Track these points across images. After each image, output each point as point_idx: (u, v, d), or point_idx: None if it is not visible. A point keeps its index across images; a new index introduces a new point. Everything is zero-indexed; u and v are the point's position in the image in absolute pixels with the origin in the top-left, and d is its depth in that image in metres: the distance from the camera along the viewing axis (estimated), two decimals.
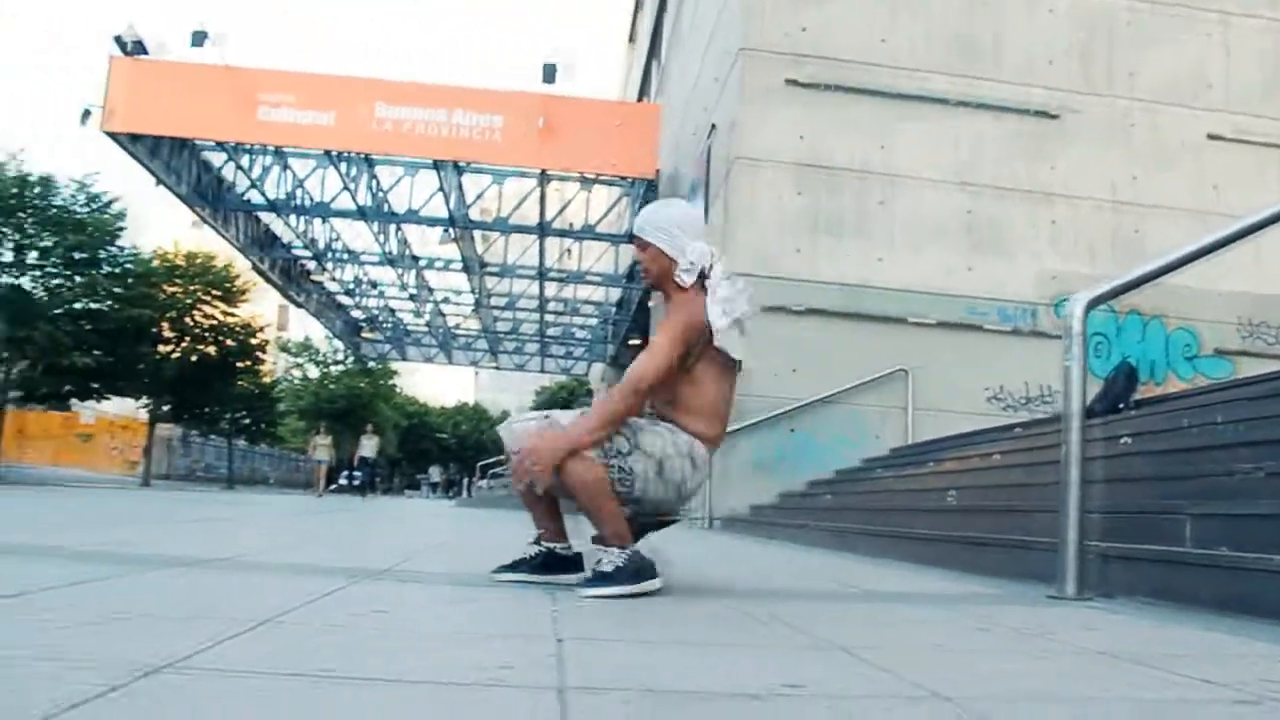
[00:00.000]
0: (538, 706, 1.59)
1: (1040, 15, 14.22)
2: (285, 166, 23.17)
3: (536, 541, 3.85)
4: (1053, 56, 14.13)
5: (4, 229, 22.96)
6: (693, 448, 3.67)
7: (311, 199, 24.19)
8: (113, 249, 25.28)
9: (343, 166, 22.01)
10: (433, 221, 24.51)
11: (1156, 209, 13.74)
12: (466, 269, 29.14)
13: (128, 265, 26.03)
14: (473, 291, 32.63)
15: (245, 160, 22.46)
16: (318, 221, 27.20)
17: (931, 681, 1.97)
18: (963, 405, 13.08)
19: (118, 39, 18.63)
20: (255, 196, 24.28)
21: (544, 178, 21.53)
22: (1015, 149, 13.87)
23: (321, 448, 27.22)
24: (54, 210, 23.78)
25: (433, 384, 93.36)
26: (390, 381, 62.86)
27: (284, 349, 52.64)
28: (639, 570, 3.53)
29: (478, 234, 27.65)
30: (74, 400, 27.83)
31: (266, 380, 41.56)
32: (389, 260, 28.92)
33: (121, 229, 25.16)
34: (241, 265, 32.24)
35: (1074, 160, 13.92)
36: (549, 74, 18.70)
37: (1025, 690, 2.03)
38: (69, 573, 3.21)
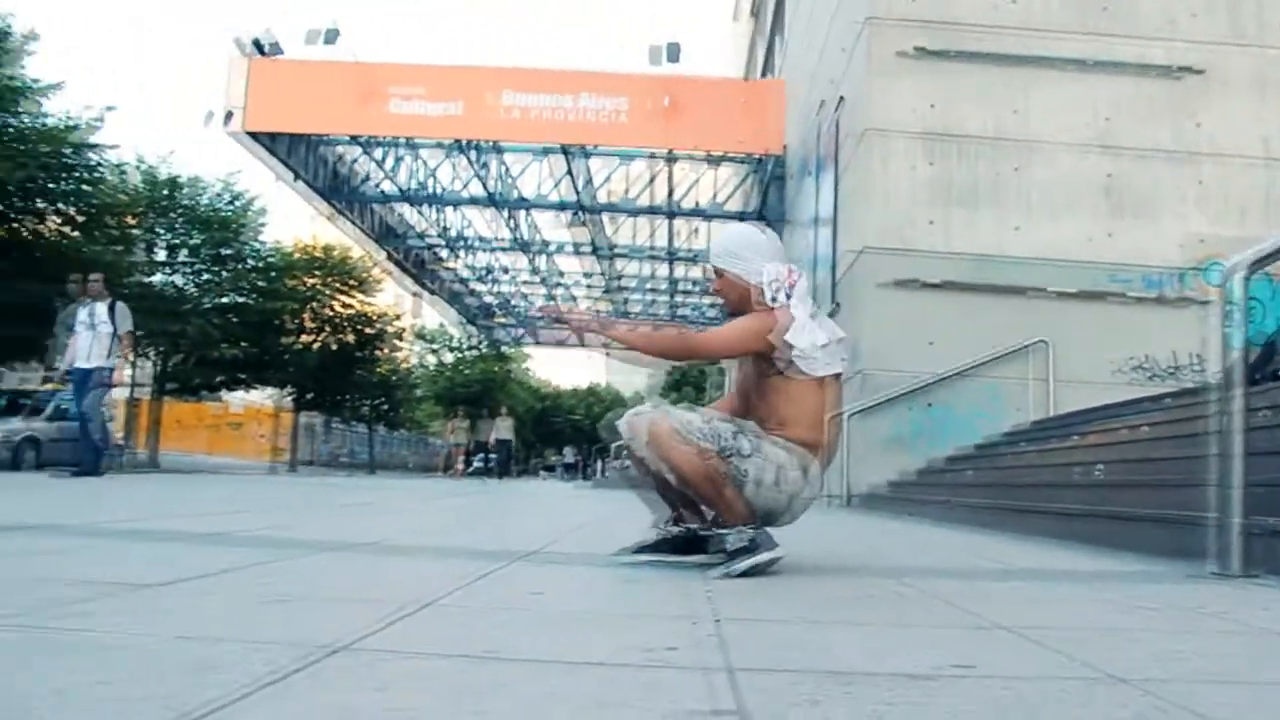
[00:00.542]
0: (711, 687, 1.59)
1: None
2: (416, 157, 23.65)
3: (674, 521, 3.85)
4: (1194, 9, 13.53)
5: (158, 229, 23.94)
6: (806, 461, 3.64)
7: (442, 188, 24.66)
8: (255, 244, 26.13)
9: (472, 154, 22.36)
10: (560, 206, 24.73)
11: None
12: (595, 252, 29.34)
13: (269, 259, 26.88)
14: (602, 274, 32.86)
15: (377, 153, 22.97)
16: (449, 210, 27.71)
17: (1104, 662, 1.91)
18: (1105, 376, 12.68)
19: (255, 41, 19.21)
20: (388, 188, 24.84)
21: (670, 158, 21.53)
22: (1157, 108, 13.33)
23: (459, 430, 27.74)
24: (201, 209, 24.70)
25: (565, 367, 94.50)
26: (523, 365, 63.76)
27: (419, 336, 53.75)
28: (764, 544, 3.51)
29: (605, 217, 27.81)
30: (223, 391, 28.87)
31: (403, 367, 42.51)
32: (519, 246, 29.29)
33: (263, 225, 26.03)
34: (376, 256, 33.03)
35: (1221, 117, 13.32)
36: (672, 54, 18.67)
37: (1204, 671, 1.96)
38: (235, 557, 3.34)
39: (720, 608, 2.58)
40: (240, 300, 25.71)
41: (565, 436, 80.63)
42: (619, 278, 33.67)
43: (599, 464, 72.69)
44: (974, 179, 13.31)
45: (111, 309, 11.62)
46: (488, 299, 41.05)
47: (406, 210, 27.87)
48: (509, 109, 19.49)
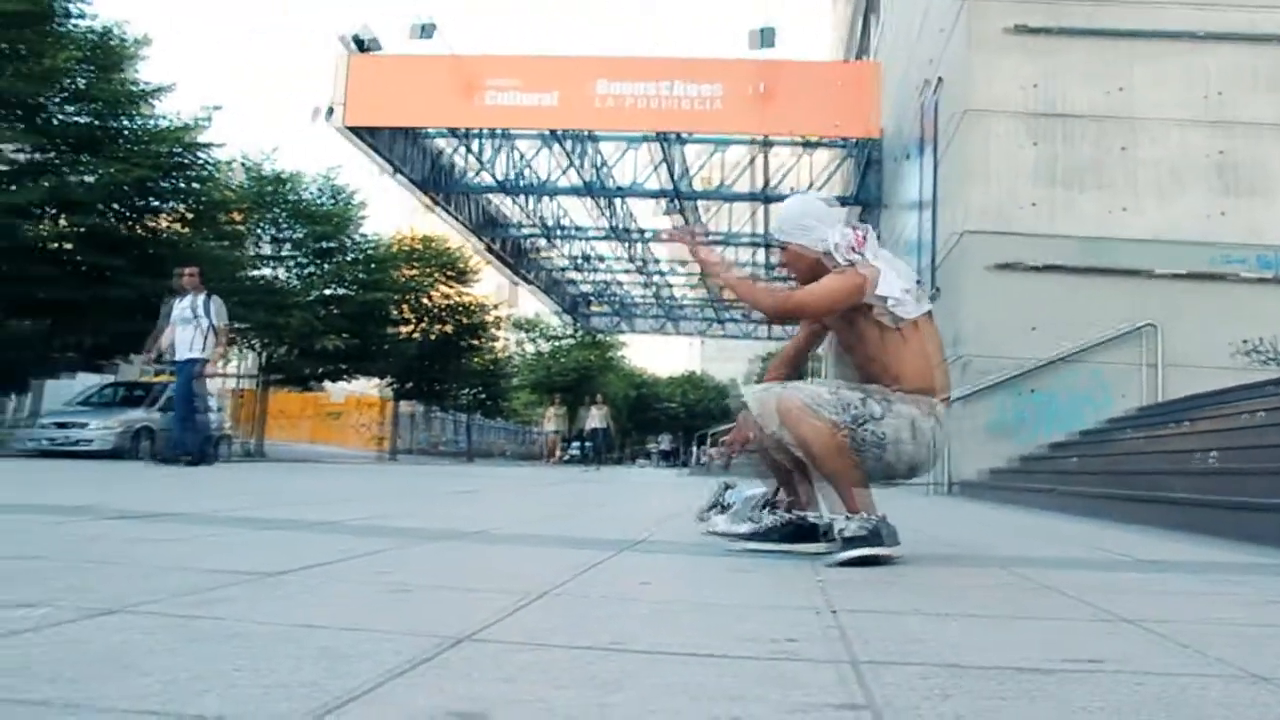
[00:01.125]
0: (838, 680, 1.57)
1: None
2: (511, 148, 23.87)
3: (787, 509, 3.84)
4: None
5: (262, 223, 24.51)
6: (933, 407, 3.66)
7: (537, 178, 24.87)
8: (355, 237, 26.59)
9: (566, 144, 22.49)
10: (654, 194, 24.77)
11: None
12: None
13: (369, 252, 27.33)
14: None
15: (473, 144, 23.22)
16: (544, 199, 27.93)
17: (1239, 659, 1.85)
18: (1217, 360, 12.30)
19: (355, 38, 19.53)
20: (483, 179, 25.10)
21: (764, 144, 21.40)
22: (1271, 79, 12.87)
23: (555, 418, 27.93)
24: (303, 203, 25.22)
25: (658, 354, 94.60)
26: (618, 353, 63.98)
27: (514, 325, 54.25)
28: (882, 535, 3.49)
29: (700, 203, 27.79)
30: (325, 381, 29.50)
31: (499, 356, 42.95)
32: (613, 234, 29.40)
33: (363, 218, 26.46)
34: (472, 246, 33.41)
35: None
36: (767, 38, 18.55)
37: None
38: (350, 546, 3.40)
39: (834, 598, 2.56)
40: (341, 292, 26.18)
41: (661, 424, 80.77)
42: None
43: (695, 451, 72.84)
44: (1078, 158, 13.01)
45: (206, 302, 11.86)
46: (584, 287, 41.34)
47: (503, 200, 28.15)
48: (603, 98, 19.55)
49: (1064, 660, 1.79)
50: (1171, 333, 12.38)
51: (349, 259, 26.28)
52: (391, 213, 44.19)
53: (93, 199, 15.00)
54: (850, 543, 3.44)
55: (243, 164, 24.12)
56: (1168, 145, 12.81)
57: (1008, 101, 13.12)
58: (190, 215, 17.32)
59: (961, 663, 1.74)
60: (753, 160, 23.32)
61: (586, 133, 22.44)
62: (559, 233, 30.85)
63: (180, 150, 16.17)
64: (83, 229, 15.04)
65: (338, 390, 44.35)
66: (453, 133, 22.80)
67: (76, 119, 15.64)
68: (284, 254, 25.82)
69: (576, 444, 39.28)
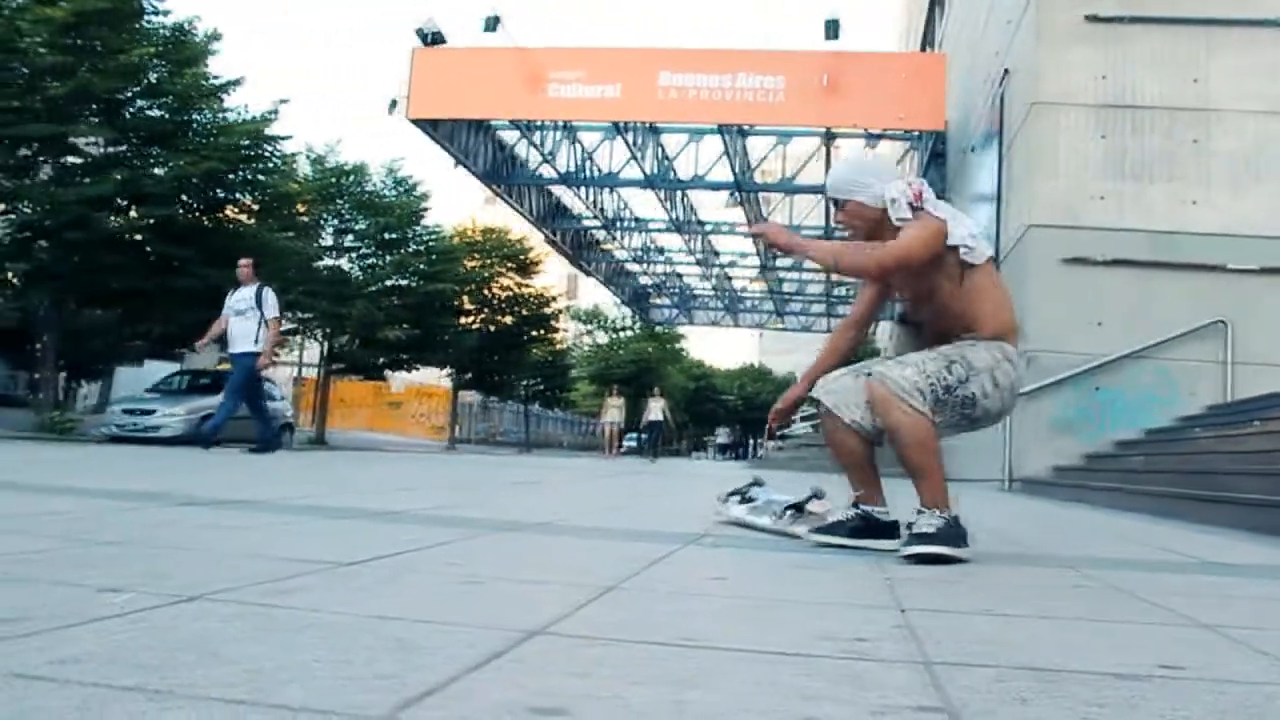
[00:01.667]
0: (911, 681, 1.56)
1: None
2: (574, 140, 23.93)
3: (854, 504, 3.83)
4: None
5: (325, 214, 24.79)
6: (1004, 349, 3.67)
7: (600, 170, 24.91)
8: (418, 228, 26.80)
9: (629, 136, 22.50)
10: (717, 186, 24.72)
11: None
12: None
13: (431, 243, 27.53)
14: (758, 254, 32.75)
15: (536, 137, 23.31)
16: (606, 192, 27.98)
17: None
18: None
19: (419, 31, 19.68)
20: (546, 171, 25.20)
21: (828, 136, 21.27)
22: None
23: (613, 409, 27.97)
24: (367, 195, 25.47)
25: (717, 347, 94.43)
26: (677, 345, 63.98)
27: (575, 317, 54.42)
28: (956, 535, 3.48)
29: (762, 196, 27.69)
30: (386, 370, 29.81)
31: (559, 348, 43.11)
32: (675, 226, 29.39)
33: (426, 210, 26.65)
34: (534, 238, 33.55)
35: None
36: (831, 30, 18.42)
37: None
38: (416, 536, 3.43)
39: (902, 597, 2.54)
40: (404, 283, 26.41)
41: (718, 417, 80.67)
42: (775, 256, 33.45)
43: (750, 444, 72.63)
44: (1148, 151, 12.78)
45: (259, 294, 11.96)
46: (644, 280, 41.38)
47: (565, 192, 28.24)
48: (666, 90, 19.52)
49: (1140, 666, 1.76)
50: (1243, 329, 12.13)
51: (412, 250, 26.48)
52: (455, 204, 44.52)
53: (164, 191, 15.26)
54: (921, 538, 3.43)
55: (307, 156, 24.42)
56: (1243, 137, 12.53)
57: (1076, 93, 12.92)
58: (257, 207, 17.58)
59: (1036, 666, 1.72)
60: (810, 157, 23.19)
61: (649, 125, 22.42)
62: (621, 225, 30.89)
63: (249, 143, 16.41)
64: (153, 220, 15.33)
65: (398, 380, 44.79)
66: (516, 125, 22.89)
67: (149, 113, 15.93)
68: (347, 245, 26.09)
69: (633, 436, 39.35)
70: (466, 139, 23.28)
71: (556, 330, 38.70)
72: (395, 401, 52.68)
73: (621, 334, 55.34)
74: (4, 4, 14.42)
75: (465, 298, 31.56)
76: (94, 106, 15.28)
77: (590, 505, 6.17)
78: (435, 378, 46.18)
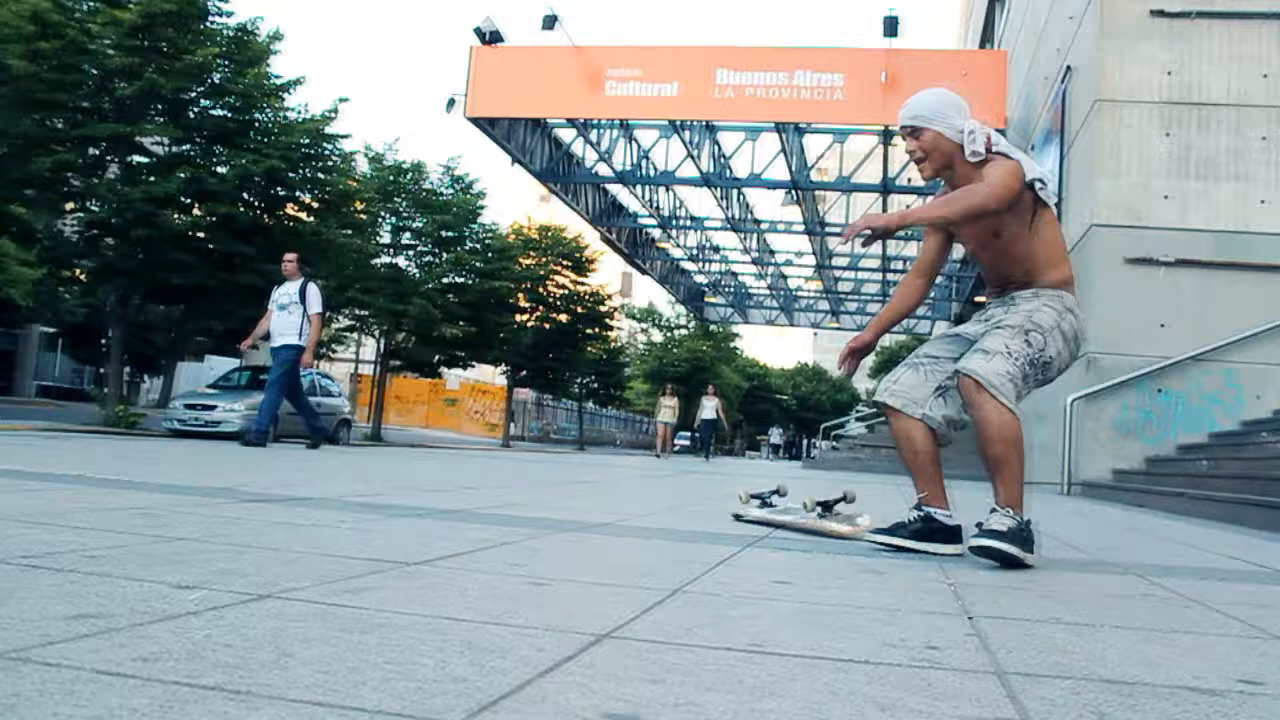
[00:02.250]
0: (985, 692, 1.54)
1: None
2: (631, 138, 23.97)
3: (917, 506, 3.81)
4: None
5: (383, 212, 25.00)
6: (1064, 299, 3.72)
7: (656, 168, 24.94)
8: (475, 226, 26.94)
9: (686, 135, 22.49)
10: (774, 184, 24.65)
11: None
12: (808, 230, 29.11)
13: (488, 241, 27.66)
14: (814, 253, 32.61)
15: (593, 135, 23.36)
16: (662, 190, 27.99)
17: None
18: None
19: (477, 30, 19.80)
20: (603, 169, 25.25)
21: (886, 134, 21.12)
22: None
23: (666, 409, 27.94)
24: (424, 193, 25.65)
25: (772, 346, 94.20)
26: (732, 344, 63.85)
27: (630, 315, 54.47)
28: (1025, 539, 3.47)
29: (818, 194, 27.56)
30: (443, 368, 30.01)
31: (614, 346, 43.18)
32: (731, 225, 29.33)
33: (482, 207, 26.78)
34: (590, 236, 33.62)
35: None
36: (890, 27, 18.28)
37: None
38: (480, 535, 3.46)
39: (969, 603, 2.52)
40: (460, 281, 26.56)
41: (772, 417, 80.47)
42: (830, 255, 33.33)
43: (804, 444, 72.40)
44: (1215, 149, 12.58)
45: (303, 289, 11.98)
46: (699, 278, 41.35)
47: (621, 190, 28.28)
48: (723, 88, 19.48)
49: (1218, 680, 1.73)
50: None
51: (469, 248, 26.63)
52: (510, 202, 44.74)
53: (226, 189, 15.49)
54: (991, 533, 3.42)
55: (366, 154, 24.64)
56: None
57: (1140, 90, 12.74)
58: (317, 205, 17.77)
59: (1112, 678, 1.69)
60: (868, 155, 23.06)
61: (706, 123, 22.40)
62: (676, 223, 30.88)
63: (309, 142, 16.59)
64: (216, 217, 15.55)
65: (453, 377, 45.11)
66: (573, 123, 22.97)
67: (213, 113, 16.17)
68: (405, 242, 26.30)
69: (686, 434, 39.32)
70: (524, 137, 23.42)
71: (611, 328, 38.74)
72: (451, 398, 53.15)
73: (676, 332, 55.32)
74: (75, 7, 14.69)
75: (521, 295, 31.69)
76: (160, 106, 15.54)
77: (649, 505, 6.17)
78: (491, 375, 46.47)
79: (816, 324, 47.79)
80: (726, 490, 9.33)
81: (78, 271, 17.14)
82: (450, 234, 26.03)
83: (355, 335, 32.54)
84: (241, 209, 16.19)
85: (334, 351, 42.43)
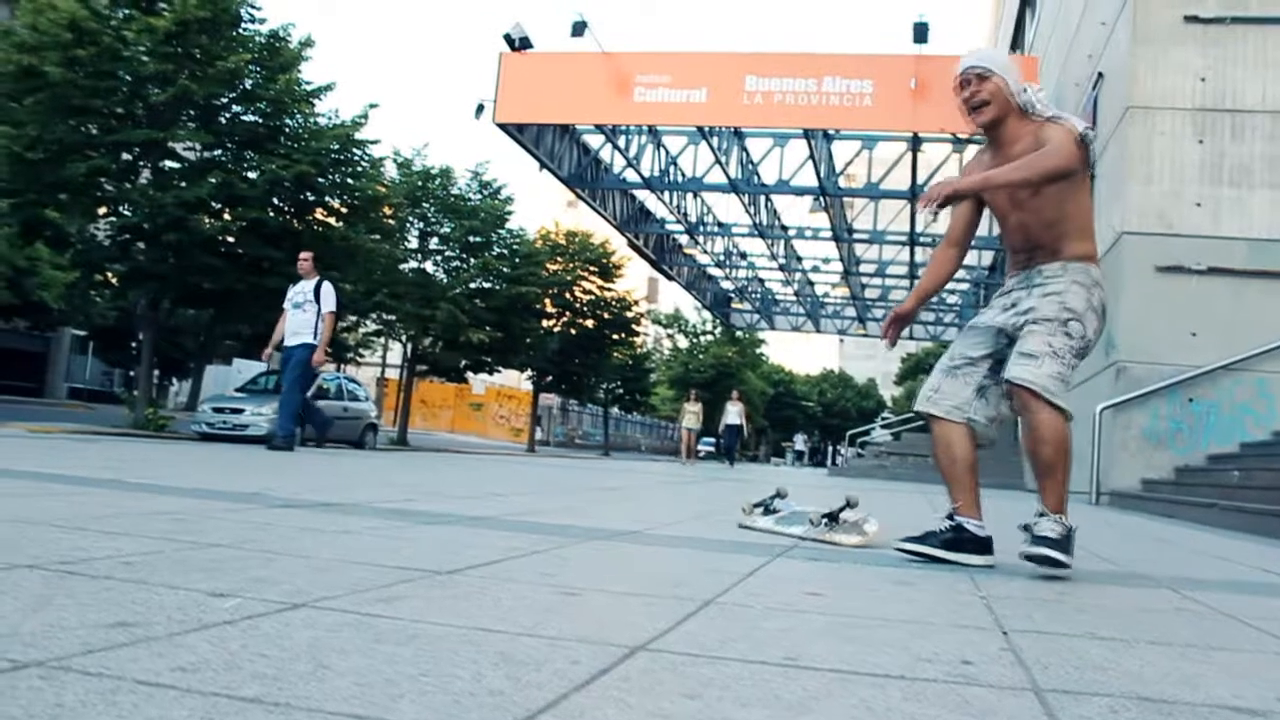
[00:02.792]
0: (1023, 710, 1.53)
1: None
2: (659, 145, 23.98)
3: (949, 516, 3.79)
4: None
5: (411, 218, 25.12)
6: (1090, 273, 3.72)
7: (684, 174, 24.94)
8: (502, 231, 27.02)
9: (714, 141, 22.47)
10: (802, 191, 24.59)
11: None
12: (835, 237, 29.04)
13: (515, 246, 27.74)
14: (841, 259, 32.53)
15: (621, 141, 23.38)
16: (689, 196, 27.98)
17: None
18: None
19: (506, 36, 19.86)
20: (630, 175, 25.27)
21: (915, 141, 21.03)
22: None
23: (690, 414, 27.87)
24: (452, 199, 25.75)
25: (798, 352, 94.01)
26: (758, 350, 63.76)
27: (656, 321, 54.51)
28: (1072, 546, 3.53)
29: (847, 201, 27.49)
30: (468, 372, 30.11)
31: (639, 351, 43.19)
32: (759, 231, 29.28)
33: (510, 213, 26.85)
34: (616, 241, 33.65)
35: None
36: (920, 34, 18.20)
37: None
38: (510, 543, 3.46)
39: (1002, 617, 2.51)
40: (488, 286, 26.64)
41: (797, 423, 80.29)
42: (858, 262, 33.23)
43: (829, 450, 72.20)
44: (1249, 156, 12.48)
45: (318, 287, 11.90)
46: (725, 284, 41.32)
47: (648, 196, 28.30)
48: (752, 94, 19.42)
49: (1258, 699, 1.71)
50: None
51: (496, 253, 26.71)
52: (539, 207, 44.83)
53: (256, 194, 15.59)
54: (1045, 541, 3.47)
55: (395, 159, 24.76)
56: None
57: (1173, 97, 12.65)
58: (346, 210, 17.86)
59: (1150, 696, 1.68)
60: (896, 161, 22.97)
61: (734, 129, 22.38)
62: (704, 229, 30.88)
63: (339, 147, 16.68)
64: (246, 222, 15.65)
65: (479, 381, 45.26)
66: (601, 129, 23.00)
67: (244, 118, 16.29)
68: (433, 248, 26.40)
69: (710, 440, 39.25)
70: (552, 143, 23.46)
71: (637, 334, 38.75)
72: (476, 403, 53.36)
73: (702, 338, 55.30)
74: (111, 15, 14.84)
75: (548, 301, 31.75)
76: (192, 112, 15.67)
77: (677, 513, 6.17)
78: (516, 380, 46.57)
79: (843, 330, 47.63)
80: (753, 499, 9.31)
81: (109, 275, 17.29)
82: (478, 239, 26.12)
83: (382, 340, 32.68)
84: (271, 214, 16.29)
85: (361, 356, 42.64)
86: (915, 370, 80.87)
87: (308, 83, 16.47)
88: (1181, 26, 12.67)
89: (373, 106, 17.26)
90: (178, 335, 29.44)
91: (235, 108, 16.28)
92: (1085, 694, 1.67)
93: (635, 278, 41.93)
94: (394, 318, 25.56)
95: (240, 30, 15.97)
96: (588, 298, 34.47)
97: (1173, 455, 12.12)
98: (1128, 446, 12.36)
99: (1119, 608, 3.01)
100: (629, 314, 36.16)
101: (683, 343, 56.20)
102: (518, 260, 27.33)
